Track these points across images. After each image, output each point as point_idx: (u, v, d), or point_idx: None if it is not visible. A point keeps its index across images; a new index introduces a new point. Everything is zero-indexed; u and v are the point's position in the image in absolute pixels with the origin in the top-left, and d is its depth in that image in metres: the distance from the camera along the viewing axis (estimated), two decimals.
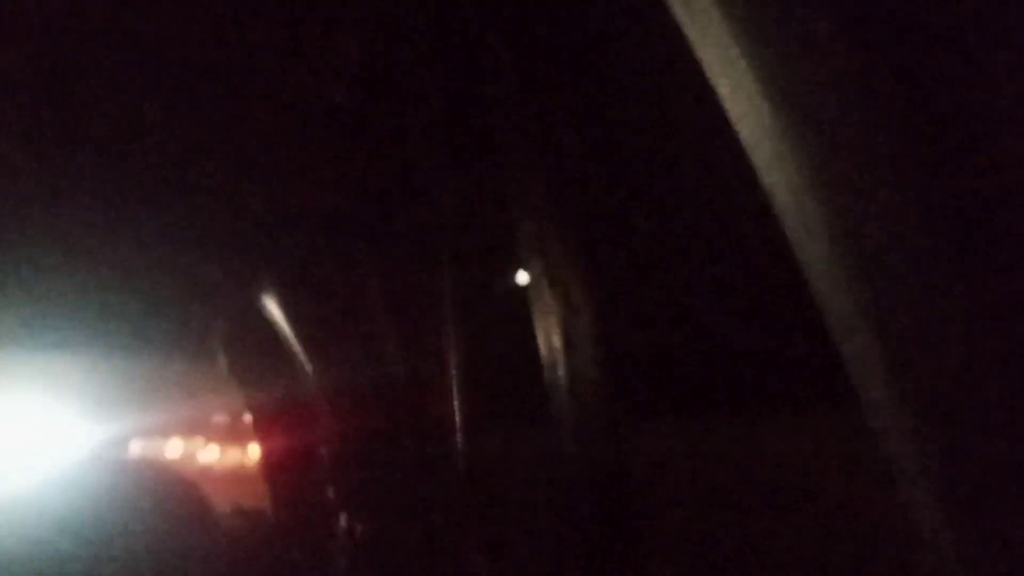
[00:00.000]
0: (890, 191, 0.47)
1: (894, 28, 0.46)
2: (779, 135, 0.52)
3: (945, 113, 0.45)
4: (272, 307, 1.93)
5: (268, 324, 1.95)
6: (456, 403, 1.43)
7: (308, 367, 1.86)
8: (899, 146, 0.46)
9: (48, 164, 1.40)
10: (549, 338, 1.16)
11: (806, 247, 0.54)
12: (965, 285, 0.44)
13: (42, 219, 1.63)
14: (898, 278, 0.47)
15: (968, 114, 0.45)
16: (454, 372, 1.44)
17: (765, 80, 0.52)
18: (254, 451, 3.11)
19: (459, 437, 1.44)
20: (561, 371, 1.14)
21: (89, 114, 1.27)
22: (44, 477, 1.64)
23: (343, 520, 2.33)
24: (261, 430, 2.64)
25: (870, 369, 0.51)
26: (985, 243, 0.44)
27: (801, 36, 0.49)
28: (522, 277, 1.21)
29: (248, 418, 2.65)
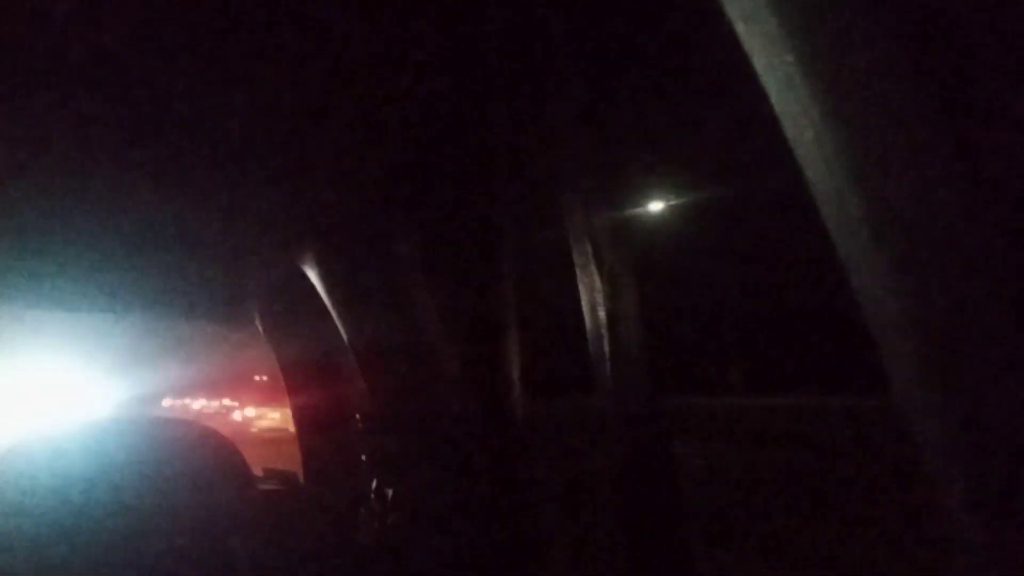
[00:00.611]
0: (929, 181, 0.48)
1: (937, 24, 0.47)
2: (822, 130, 0.53)
3: (989, 108, 0.46)
4: (312, 273, 1.96)
5: (307, 288, 1.97)
6: (513, 369, 1.47)
7: (346, 331, 1.88)
8: (940, 138, 0.47)
9: (93, 126, 1.41)
10: (595, 315, 1.20)
11: (846, 239, 0.55)
12: (1008, 279, 0.45)
13: (86, 184, 1.66)
14: (936, 270, 0.48)
15: (1013, 109, 0.45)
16: (510, 339, 1.48)
17: (809, 74, 0.53)
18: (288, 414, 3.17)
19: (514, 401, 1.48)
20: (605, 346, 1.18)
21: (137, 77, 1.28)
22: (82, 432, 1.68)
23: (374, 484, 2.37)
24: (295, 393, 2.68)
25: (905, 362, 0.52)
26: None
27: (845, 32, 0.50)
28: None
29: (283, 381, 2.69)
